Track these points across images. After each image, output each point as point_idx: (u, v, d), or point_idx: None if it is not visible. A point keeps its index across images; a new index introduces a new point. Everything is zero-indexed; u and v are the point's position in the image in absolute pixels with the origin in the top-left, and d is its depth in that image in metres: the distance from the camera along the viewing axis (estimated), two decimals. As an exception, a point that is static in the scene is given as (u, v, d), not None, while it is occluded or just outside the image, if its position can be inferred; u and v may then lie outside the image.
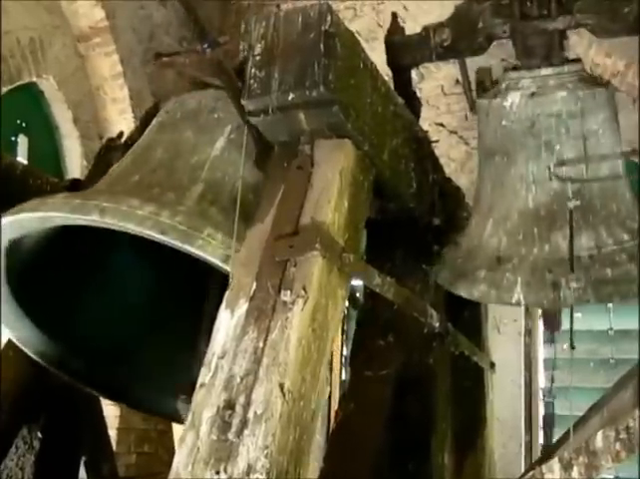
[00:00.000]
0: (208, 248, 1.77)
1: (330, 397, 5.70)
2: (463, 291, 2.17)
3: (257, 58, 1.73)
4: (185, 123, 2.24)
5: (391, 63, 2.36)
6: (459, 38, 2.27)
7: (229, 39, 2.17)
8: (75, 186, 2.83)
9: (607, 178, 2.03)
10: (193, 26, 1.83)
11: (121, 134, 2.84)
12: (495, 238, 2.13)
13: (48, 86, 5.65)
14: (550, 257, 2.02)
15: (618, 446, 1.20)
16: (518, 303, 2.03)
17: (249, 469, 1.33)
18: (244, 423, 1.37)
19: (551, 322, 2.07)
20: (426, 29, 2.31)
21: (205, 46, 1.83)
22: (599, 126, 2.09)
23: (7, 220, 2.11)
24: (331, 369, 5.84)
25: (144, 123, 2.55)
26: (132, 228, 1.84)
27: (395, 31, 2.39)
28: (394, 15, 2.43)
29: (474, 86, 2.47)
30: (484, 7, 2.20)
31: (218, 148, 2.17)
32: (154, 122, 2.37)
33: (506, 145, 2.15)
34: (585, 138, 2.05)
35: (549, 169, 2.05)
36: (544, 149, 2.07)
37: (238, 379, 1.43)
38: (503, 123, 2.14)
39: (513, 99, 2.12)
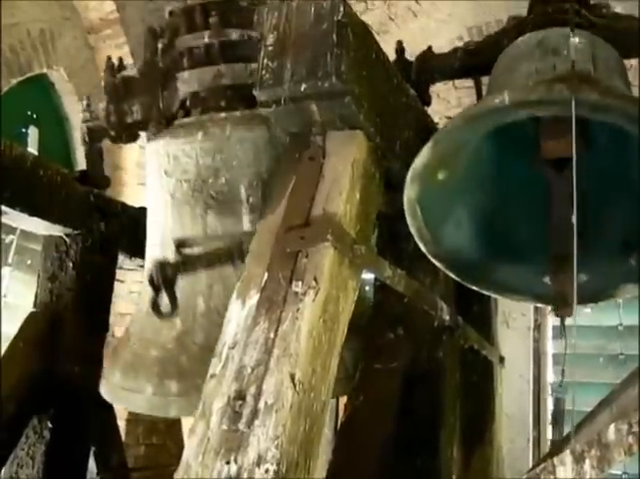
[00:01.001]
0: None
1: (338, 391, 5.70)
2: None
3: (269, 48, 1.72)
4: None
5: (415, 74, 2.42)
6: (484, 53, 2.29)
7: None
8: (84, 177, 2.84)
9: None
10: None
11: (88, 102, 2.69)
12: None
13: (58, 77, 5.67)
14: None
15: (631, 439, 1.19)
16: (503, 104, 1.68)
17: (260, 459, 1.32)
18: (255, 413, 1.37)
19: (564, 306, 1.99)
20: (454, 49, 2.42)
21: None
22: (608, 57, 2.03)
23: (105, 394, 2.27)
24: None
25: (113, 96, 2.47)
26: None
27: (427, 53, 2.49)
28: (429, 47, 2.51)
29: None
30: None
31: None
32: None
33: (512, 62, 2.08)
34: (594, 55, 1.98)
35: (554, 66, 1.96)
36: (551, 54, 1.97)
37: (249, 370, 1.43)
38: (513, 52, 2.09)
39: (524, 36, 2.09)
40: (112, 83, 2.42)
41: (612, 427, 1.20)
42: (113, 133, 2.45)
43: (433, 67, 2.45)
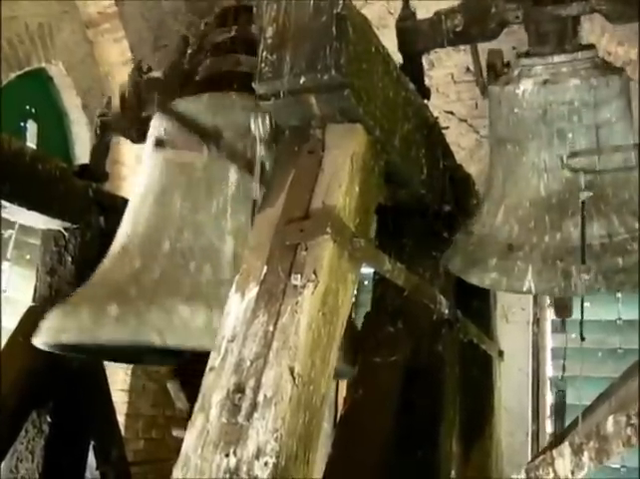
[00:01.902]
0: None
1: (337, 384, 5.71)
2: (474, 279, 2.16)
3: (269, 41, 1.71)
4: (190, 156, 2.21)
5: (402, 49, 2.34)
6: (471, 24, 2.25)
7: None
8: (83, 171, 2.84)
9: (620, 169, 2.02)
10: None
11: (109, 101, 2.80)
12: (507, 225, 2.12)
13: (57, 72, 5.65)
14: (562, 246, 2.01)
15: (629, 431, 1.19)
16: (529, 292, 2.03)
17: (259, 452, 1.32)
18: (254, 406, 1.37)
19: (562, 308, 2.05)
20: (437, 14, 2.29)
21: None
22: (612, 114, 2.07)
23: (43, 341, 2.11)
24: (338, 357, 5.83)
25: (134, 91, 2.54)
26: (192, 346, 1.84)
27: (406, 16, 2.37)
28: (405, 1, 2.41)
29: (485, 73, 2.45)
30: None
31: (233, 183, 2.14)
32: (154, 156, 2.35)
33: (518, 133, 2.13)
34: (598, 127, 2.03)
35: (562, 158, 2.03)
36: (557, 137, 2.05)
37: (248, 363, 1.43)
38: (515, 110, 2.12)
39: (526, 86, 2.10)
40: (137, 82, 2.48)
41: (611, 419, 1.20)
42: (126, 125, 2.54)
43: (418, 44, 2.37)
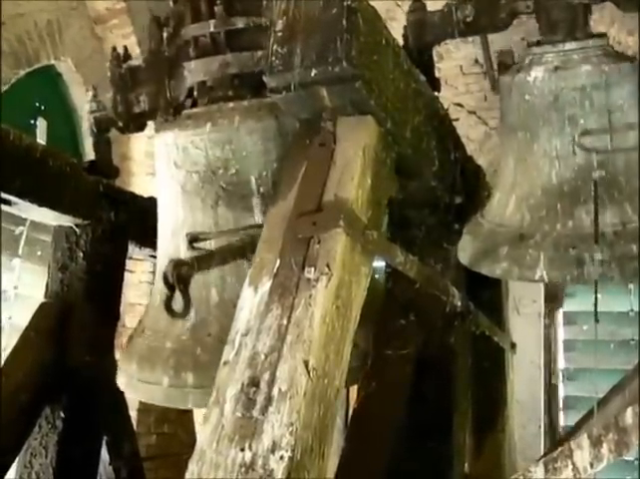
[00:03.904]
0: None
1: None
2: (485, 269, 2.15)
3: (279, 34, 1.70)
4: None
5: (413, 41, 2.33)
6: (481, 14, 2.23)
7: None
8: (93, 167, 2.84)
9: (633, 148, 1.99)
10: None
11: (95, 93, 2.74)
12: (518, 214, 2.11)
13: (66, 68, 5.66)
14: (574, 233, 1.99)
15: (648, 423, 1.18)
16: (542, 280, 2.00)
17: (274, 446, 1.32)
18: (269, 400, 1.37)
19: (553, 298, 2.06)
20: (448, 6, 2.28)
21: None
22: (624, 100, 2.05)
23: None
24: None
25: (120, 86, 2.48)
26: None
27: (416, 8, 2.35)
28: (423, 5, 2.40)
29: (495, 65, 2.44)
30: None
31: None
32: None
33: (529, 120, 2.12)
34: (610, 111, 2.01)
35: (573, 142, 2.01)
36: (568, 123, 2.03)
37: (262, 356, 1.43)
38: (527, 98, 2.10)
39: (537, 74, 2.08)
40: (118, 73, 2.42)
41: (630, 411, 1.19)
42: (120, 123, 2.46)
43: (429, 36, 2.34)
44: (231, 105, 2.19)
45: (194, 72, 2.27)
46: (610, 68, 2.03)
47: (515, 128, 2.18)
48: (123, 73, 2.41)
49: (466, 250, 2.23)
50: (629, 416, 1.17)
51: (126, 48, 2.54)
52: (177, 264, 1.96)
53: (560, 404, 5.66)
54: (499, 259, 2.09)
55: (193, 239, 2.16)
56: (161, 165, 2.31)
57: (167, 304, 1.93)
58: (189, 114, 2.26)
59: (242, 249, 2.09)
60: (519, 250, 2.05)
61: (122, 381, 2.31)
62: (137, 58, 2.47)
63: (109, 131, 2.78)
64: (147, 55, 2.40)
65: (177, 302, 1.97)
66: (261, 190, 2.14)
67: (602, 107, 2.02)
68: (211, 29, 2.24)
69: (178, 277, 1.94)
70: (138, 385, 2.21)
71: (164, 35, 2.34)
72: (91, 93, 2.74)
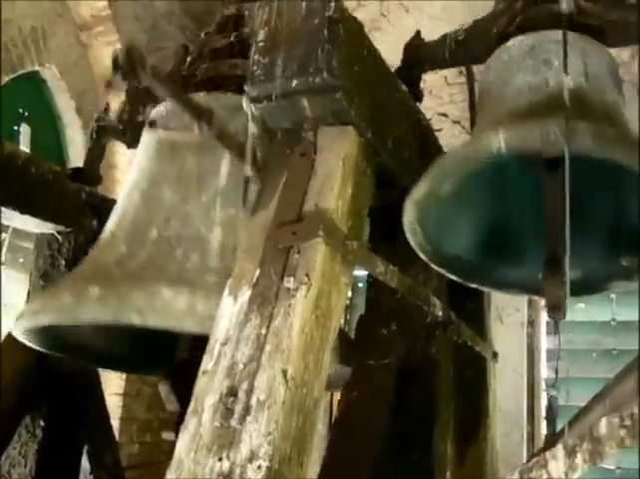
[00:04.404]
0: None
1: (332, 387, 5.70)
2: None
3: (261, 44, 1.71)
4: (184, 148, 2.20)
5: (407, 68, 2.39)
6: (474, 44, 2.26)
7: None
8: (76, 174, 2.83)
9: None
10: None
11: (107, 107, 2.80)
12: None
13: (50, 75, 5.64)
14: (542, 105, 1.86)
15: (622, 433, 1.19)
16: (500, 152, 1.70)
17: (252, 456, 1.32)
18: (247, 410, 1.37)
19: (556, 309, 2.00)
20: (444, 36, 2.36)
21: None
22: (600, 63, 2.02)
23: (23, 325, 2.06)
24: (333, 359, 5.85)
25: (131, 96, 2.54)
26: (173, 326, 1.83)
27: (415, 40, 2.44)
28: (418, 32, 2.47)
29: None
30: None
31: (224, 175, 2.13)
32: (147, 142, 2.33)
33: (504, 72, 2.07)
34: (585, 56, 1.97)
35: (547, 81, 1.96)
36: (543, 65, 1.97)
37: (241, 366, 1.43)
38: (504, 57, 2.08)
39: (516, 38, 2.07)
40: (135, 88, 2.47)
41: (604, 421, 1.20)
42: (121, 128, 2.58)
43: (422, 57, 2.42)
44: None
45: (204, 71, 2.39)
46: (588, 41, 2.02)
47: (491, 85, 2.13)
48: (139, 88, 2.46)
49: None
50: (603, 426, 1.18)
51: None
52: (130, 49, 1.81)
53: (543, 413, 5.68)
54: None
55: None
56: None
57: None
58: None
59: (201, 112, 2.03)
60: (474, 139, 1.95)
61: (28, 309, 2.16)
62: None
63: (108, 140, 2.81)
64: (166, 74, 2.48)
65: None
66: None
67: (578, 54, 1.97)
68: (230, 39, 2.40)
69: (129, 58, 1.75)
70: (47, 310, 2.05)
71: (188, 59, 2.48)
72: (104, 106, 2.79)
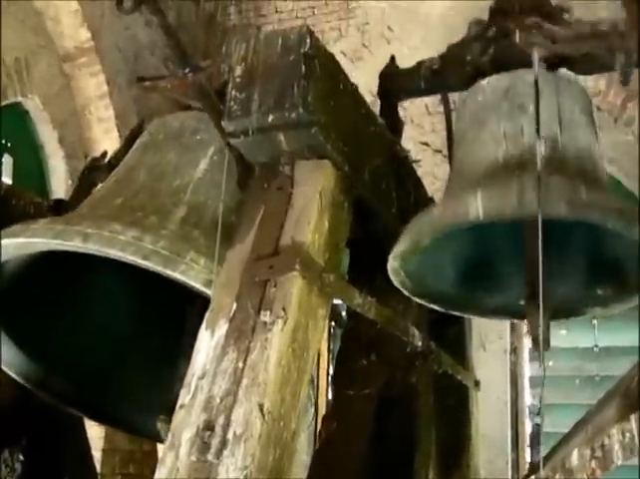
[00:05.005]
0: (191, 273, 1.78)
1: (317, 416, 5.69)
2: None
3: (237, 80, 1.74)
4: (169, 144, 2.24)
5: (381, 92, 2.40)
6: (447, 67, 2.28)
7: (212, 62, 2.21)
8: (58, 206, 2.84)
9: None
10: (174, 50, 1.81)
11: (104, 153, 2.85)
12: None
13: (33, 106, 5.66)
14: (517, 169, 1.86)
15: (594, 464, 1.21)
16: (477, 218, 1.73)
17: (228, 490, 1.33)
18: (224, 444, 1.38)
19: (539, 340, 2.01)
20: (419, 63, 2.35)
21: (187, 70, 1.81)
22: (574, 103, 2.05)
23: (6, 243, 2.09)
24: (318, 388, 5.84)
25: (128, 142, 2.57)
26: (114, 253, 1.84)
27: (390, 67, 2.44)
28: (392, 57, 2.47)
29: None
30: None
31: (201, 169, 2.17)
32: (137, 142, 2.38)
33: (480, 113, 2.09)
34: (560, 103, 2.01)
35: (522, 129, 1.96)
36: (517, 109, 1.99)
37: (218, 400, 1.44)
38: (479, 98, 2.10)
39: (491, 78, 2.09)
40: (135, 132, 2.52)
41: (575, 452, 1.21)
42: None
43: (397, 85, 2.42)
44: None
45: None
46: (561, 77, 2.05)
47: (466, 128, 2.16)
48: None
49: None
50: (575, 458, 1.19)
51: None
52: None
53: (527, 440, 5.68)
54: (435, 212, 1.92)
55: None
56: None
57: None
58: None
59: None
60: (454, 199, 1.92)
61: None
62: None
63: (98, 179, 2.84)
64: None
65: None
66: None
67: (553, 99, 1.99)
68: None
69: None
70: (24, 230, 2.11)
71: None
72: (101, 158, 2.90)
